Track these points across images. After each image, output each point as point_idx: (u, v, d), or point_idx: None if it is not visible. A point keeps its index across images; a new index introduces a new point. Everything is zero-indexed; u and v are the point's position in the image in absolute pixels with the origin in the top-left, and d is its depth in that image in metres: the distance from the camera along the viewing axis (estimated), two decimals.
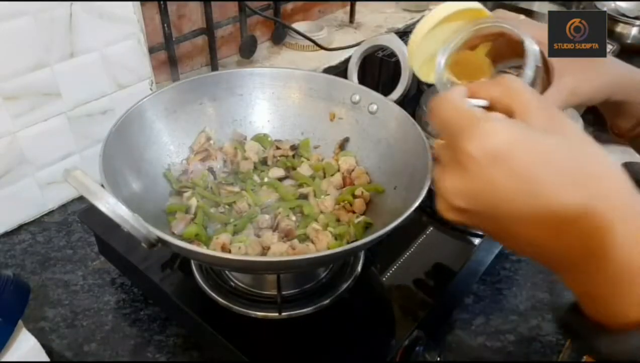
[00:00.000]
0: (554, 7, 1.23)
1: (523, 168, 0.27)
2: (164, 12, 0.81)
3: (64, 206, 0.73)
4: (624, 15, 1.14)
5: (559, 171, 0.27)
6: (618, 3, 1.19)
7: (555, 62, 0.47)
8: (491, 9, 1.32)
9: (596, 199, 0.27)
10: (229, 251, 0.51)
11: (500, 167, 0.27)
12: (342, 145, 0.64)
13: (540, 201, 0.27)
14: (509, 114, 0.30)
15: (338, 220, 0.56)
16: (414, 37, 0.51)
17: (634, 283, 0.26)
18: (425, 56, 0.53)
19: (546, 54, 0.46)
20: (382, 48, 0.81)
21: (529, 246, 0.29)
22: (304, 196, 0.58)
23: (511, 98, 0.30)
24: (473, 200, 0.28)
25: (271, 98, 0.66)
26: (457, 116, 0.29)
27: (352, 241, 0.52)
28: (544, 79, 0.48)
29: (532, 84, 0.46)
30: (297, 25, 1.08)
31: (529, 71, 0.45)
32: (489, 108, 0.32)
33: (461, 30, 0.48)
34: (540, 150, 0.27)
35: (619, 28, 1.13)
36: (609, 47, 0.46)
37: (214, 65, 0.95)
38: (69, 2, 0.62)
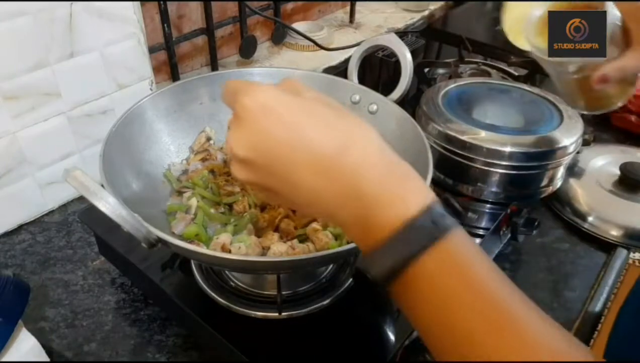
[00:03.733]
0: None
1: (287, 116, 0.32)
2: (164, 12, 0.81)
3: (64, 206, 0.73)
4: None
5: (317, 120, 0.33)
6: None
7: (635, 29, 0.55)
8: (491, 9, 1.32)
9: (348, 142, 0.32)
10: (229, 251, 0.51)
11: (269, 116, 0.32)
12: None
13: (305, 144, 0.32)
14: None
15: None
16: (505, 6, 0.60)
17: (379, 207, 0.32)
18: (514, 21, 0.62)
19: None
20: (382, 48, 0.82)
21: (311, 196, 0.33)
22: None
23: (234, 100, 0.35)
24: (253, 150, 0.33)
25: None
26: (239, 83, 0.35)
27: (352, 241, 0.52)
28: (622, 43, 0.56)
29: (609, 43, 0.54)
30: (297, 25, 1.08)
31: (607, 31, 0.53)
32: None
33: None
34: (301, 103, 0.34)
35: None
36: None
37: (214, 65, 0.95)
38: (69, 2, 0.62)
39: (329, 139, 0.32)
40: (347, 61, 0.69)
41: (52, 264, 0.65)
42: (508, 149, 0.65)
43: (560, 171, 0.71)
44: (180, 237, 0.52)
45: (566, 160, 0.68)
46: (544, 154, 0.66)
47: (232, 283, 0.54)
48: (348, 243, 0.52)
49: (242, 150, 0.33)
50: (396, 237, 0.31)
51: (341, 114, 0.34)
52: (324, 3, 1.21)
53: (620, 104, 0.63)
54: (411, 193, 0.32)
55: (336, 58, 1.04)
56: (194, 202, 0.56)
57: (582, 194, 0.73)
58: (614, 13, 0.55)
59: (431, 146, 0.53)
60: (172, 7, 0.85)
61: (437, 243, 0.30)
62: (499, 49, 1.06)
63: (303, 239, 0.53)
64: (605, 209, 0.71)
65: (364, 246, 0.33)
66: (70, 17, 0.63)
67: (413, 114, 0.59)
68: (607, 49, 0.55)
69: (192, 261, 0.56)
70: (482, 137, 0.66)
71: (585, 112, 0.68)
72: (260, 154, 0.33)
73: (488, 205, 0.70)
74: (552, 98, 0.73)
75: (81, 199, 0.72)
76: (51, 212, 0.73)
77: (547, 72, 0.64)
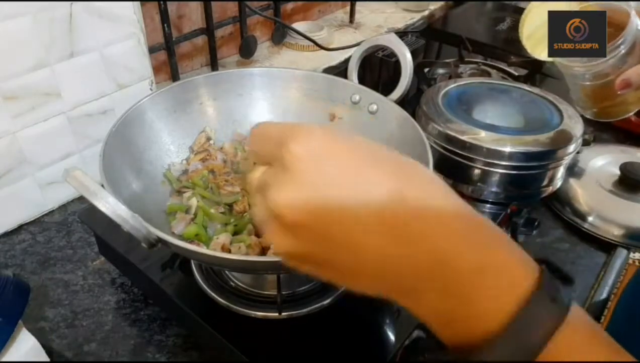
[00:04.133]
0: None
1: (345, 161, 0.26)
2: (164, 12, 0.81)
3: (64, 206, 0.73)
4: None
5: (385, 170, 0.27)
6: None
7: None
8: (491, 9, 1.32)
9: (424, 195, 0.26)
10: (229, 251, 0.51)
11: (325, 163, 0.26)
12: None
13: (366, 191, 0.26)
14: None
15: None
16: (529, 8, 0.61)
17: (478, 284, 0.25)
18: (532, 30, 0.64)
19: None
20: (382, 48, 0.81)
21: (379, 264, 0.26)
22: None
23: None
24: (306, 207, 0.26)
25: (271, 98, 0.66)
26: (280, 127, 0.28)
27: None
28: None
29: (630, 51, 0.55)
30: (297, 25, 1.08)
31: (629, 38, 0.55)
32: None
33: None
34: (359, 146, 0.27)
35: None
36: None
37: (214, 65, 0.95)
38: (69, 2, 0.62)
39: (402, 192, 0.26)
40: (347, 61, 0.69)
41: (52, 264, 0.65)
42: (508, 149, 0.65)
43: (560, 171, 0.71)
44: (180, 237, 0.52)
45: (566, 160, 0.68)
46: (544, 154, 0.66)
47: (232, 283, 0.54)
48: None
49: (292, 211, 0.26)
50: (510, 328, 0.23)
51: (405, 162, 0.28)
52: (324, 3, 1.21)
53: (633, 112, 0.63)
54: (514, 259, 0.25)
55: (336, 58, 1.04)
56: (194, 202, 0.56)
57: (582, 194, 0.73)
58: (636, 22, 0.55)
59: (431, 146, 0.53)
60: (172, 7, 0.85)
61: (560, 329, 0.23)
62: (499, 49, 1.06)
63: None
64: (605, 209, 0.71)
65: (458, 341, 0.25)
66: (70, 17, 0.63)
67: (413, 114, 0.59)
68: (629, 56, 0.55)
69: (192, 261, 0.56)
70: (482, 137, 0.66)
71: (601, 120, 0.69)
72: (316, 210, 0.26)
73: (488, 205, 0.70)
74: (552, 98, 0.73)
75: (81, 199, 0.72)
76: (51, 212, 0.72)
77: (567, 82, 0.65)
